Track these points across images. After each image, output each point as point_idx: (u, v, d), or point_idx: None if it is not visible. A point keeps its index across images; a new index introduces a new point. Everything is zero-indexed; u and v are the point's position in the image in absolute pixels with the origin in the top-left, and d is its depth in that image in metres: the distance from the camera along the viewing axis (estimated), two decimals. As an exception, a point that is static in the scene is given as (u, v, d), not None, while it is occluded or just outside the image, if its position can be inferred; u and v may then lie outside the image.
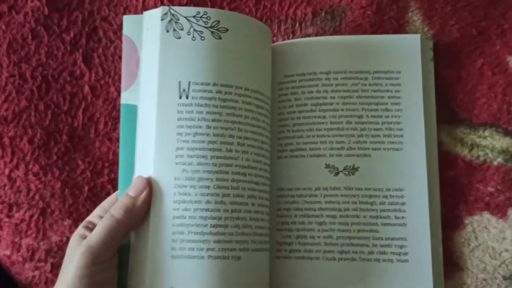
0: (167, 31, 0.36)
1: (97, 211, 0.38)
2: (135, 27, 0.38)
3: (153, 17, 0.37)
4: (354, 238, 0.39)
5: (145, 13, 0.37)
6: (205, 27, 0.36)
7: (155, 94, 0.36)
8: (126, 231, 0.34)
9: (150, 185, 0.35)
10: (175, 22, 0.36)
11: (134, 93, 0.37)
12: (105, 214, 0.35)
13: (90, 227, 0.36)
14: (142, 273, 0.34)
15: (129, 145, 0.37)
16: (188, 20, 0.36)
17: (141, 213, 0.34)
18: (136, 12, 0.44)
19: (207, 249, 0.34)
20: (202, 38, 0.36)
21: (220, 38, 0.36)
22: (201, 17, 0.36)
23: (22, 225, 0.42)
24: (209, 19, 0.36)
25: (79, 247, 0.33)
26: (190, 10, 0.36)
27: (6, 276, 0.42)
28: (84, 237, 0.34)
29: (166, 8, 0.36)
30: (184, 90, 0.35)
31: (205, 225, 0.34)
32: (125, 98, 0.38)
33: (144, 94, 0.36)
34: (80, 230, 0.36)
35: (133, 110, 0.37)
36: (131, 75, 0.38)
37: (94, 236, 0.33)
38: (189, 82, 0.35)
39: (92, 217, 0.37)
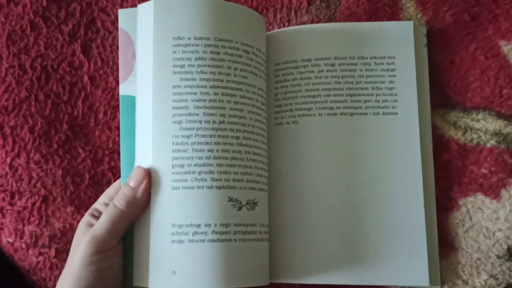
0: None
1: (103, 198, 0.39)
2: (130, 20, 0.39)
3: (146, 9, 0.37)
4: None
5: (139, 6, 0.38)
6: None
7: (150, 84, 0.36)
8: (129, 220, 0.35)
9: (149, 175, 0.35)
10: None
11: (132, 84, 0.38)
12: (110, 201, 0.36)
13: (96, 215, 0.37)
14: (145, 259, 0.35)
15: (129, 135, 0.38)
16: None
17: (142, 203, 0.35)
18: (133, 3, 0.45)
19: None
20: None
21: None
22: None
23: (24, 212, 0.42)
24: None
25: (84, 236, 0.34)
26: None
27: (9, 264, 0.43)
28: (90, 225, 0.35)
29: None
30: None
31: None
32: (124, 89, 0.38)
33: (140, 85, 0.37)
34: (86, 217, 0.37)
35: (131, 101, 0.38)
36: (128, 67, 0.39)
37: (99, 226, 0.34)
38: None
39: (97, 204, 0.38)
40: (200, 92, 0.36)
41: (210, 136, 0.36)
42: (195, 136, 0.35)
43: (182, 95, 0.36)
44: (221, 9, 0.37)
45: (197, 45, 0.36)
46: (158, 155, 0.35)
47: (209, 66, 0.36)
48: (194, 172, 0.35)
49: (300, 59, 0.42)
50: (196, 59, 0.36)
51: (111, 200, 0.36)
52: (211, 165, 0.35)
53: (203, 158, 0.35)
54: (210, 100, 0.36)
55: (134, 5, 0.44)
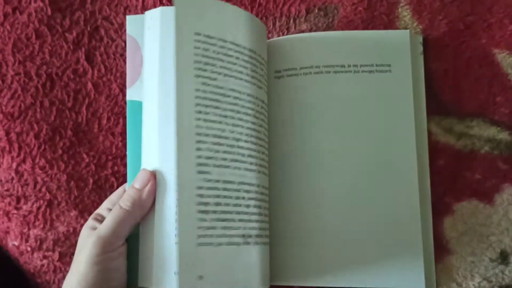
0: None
1: (106, 204, 0.39)
2: (138, 26, 0.39)
3: (153, 17, 0.38)
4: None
5: (147, 13, 0.39)
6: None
7: (156, 90, 0.37)
8: (134, 221, 0.36)
9: (154, 177, 0.36)
10: None
11: (139, 89, 0.39)
12: (113, 206, 0.37)
13: (99, 219, 0.37)
14: (149, 260, 0.36)
15: (135, 139, 0.38)
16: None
17: (147, 204, 0.36)
18: (136, 12, 0.46)
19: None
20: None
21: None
22: None
23: (30, 216, 0.43)
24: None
25: (90, 237, 0.35)
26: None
27: (14, 267, 0.44)
28: (94, 228, 0.36)
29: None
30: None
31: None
32: (130, 94, 0.39)
33: (147, 90, 0.38)
34: (90, 222, 0.37)
35: (138, 106, 0.39)
36: (135, 73, 0.39)
37: (104, 227, 0.35)
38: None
39: (101, 209, 0.39)
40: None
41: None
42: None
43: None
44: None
45: None
46: (163, 159, 0.36)
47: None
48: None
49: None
50: None
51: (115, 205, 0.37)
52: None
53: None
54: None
55: (137, 14, 0.45)
